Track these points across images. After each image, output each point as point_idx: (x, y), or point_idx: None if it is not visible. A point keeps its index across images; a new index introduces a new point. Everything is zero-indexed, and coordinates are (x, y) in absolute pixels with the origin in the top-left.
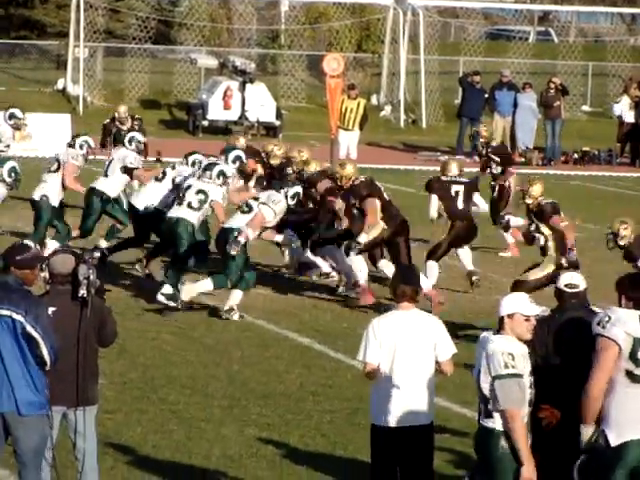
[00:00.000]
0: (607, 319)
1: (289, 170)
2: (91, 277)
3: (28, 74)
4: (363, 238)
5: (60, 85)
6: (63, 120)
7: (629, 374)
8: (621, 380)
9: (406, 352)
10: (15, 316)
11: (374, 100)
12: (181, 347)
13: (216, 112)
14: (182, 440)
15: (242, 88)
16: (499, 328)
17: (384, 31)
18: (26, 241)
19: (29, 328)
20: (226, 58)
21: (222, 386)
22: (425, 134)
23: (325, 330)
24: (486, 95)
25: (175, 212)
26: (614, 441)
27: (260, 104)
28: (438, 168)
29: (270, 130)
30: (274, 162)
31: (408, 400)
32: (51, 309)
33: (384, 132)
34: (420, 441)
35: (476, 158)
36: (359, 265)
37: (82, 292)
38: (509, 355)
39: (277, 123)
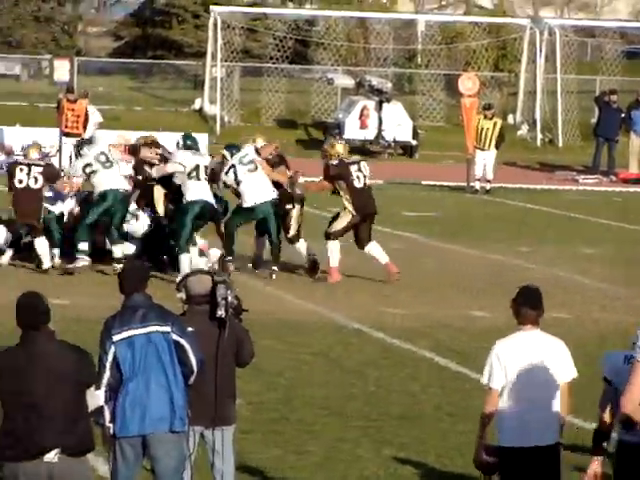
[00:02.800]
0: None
1: None
2: (229, 297)
3: (165, 94)
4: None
5: (197, 105)
6: (200, 140)
7: None
8: None
9: (530, 374)
10: (163, 328)
11: (510, 119)
12: (318, 368)
13: (353, 131)
14: (319, 461)
15: (379, 107)
16: None
17: (521, 50)
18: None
19: (176, 337)
20: (363, 77)
21: (359, 407)
22: (561, 153)
23: (461, 350)
24: (622, 114)
25: None
26: None
27: (397, 123)
28: (574, 187)
29: (407, 149)
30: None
31: (533, 420)
32: (189, 329)
33: (521, 151)
34: (547, 461)
35: (612, 177)
36: (335, 249)
37: (220, 313)
38: None
39: (414, 142)
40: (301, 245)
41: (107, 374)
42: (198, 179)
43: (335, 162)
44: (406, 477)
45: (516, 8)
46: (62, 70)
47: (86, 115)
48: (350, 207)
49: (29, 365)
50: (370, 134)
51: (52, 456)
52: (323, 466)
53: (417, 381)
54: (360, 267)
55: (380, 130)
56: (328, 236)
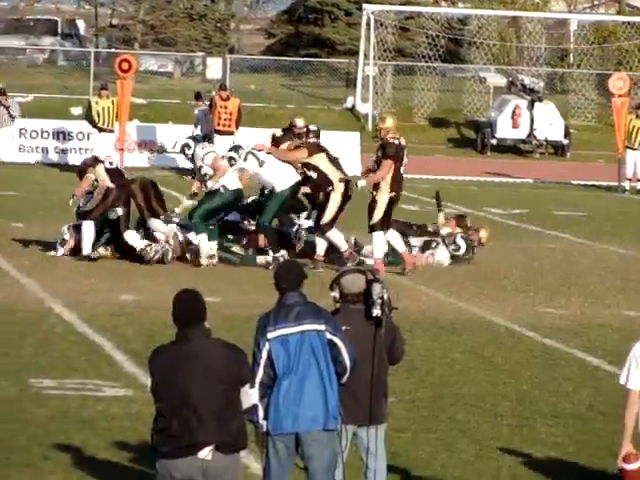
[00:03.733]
0: None
1: None
2: (385, 296)
3: (318, 92)
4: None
5: (349, 103)
6: (352, 138)
7: None
8: None
9: None
10: (317, 327)
11: None
12: (470, 366)
13: (505, 130)
14: (471, 459)
15: (531, 107)
16: None
17: None
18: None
19: (329, 335)
20: (515, 76)
21: (511, 405)
22: None
23: (614, 350)
24: None
25: None
26: None
27: (549, 123)
28: None
29: (558, 149)
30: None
31: None
32: (344, 328)
33: None
34: None
35: None
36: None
37: (377, 312)
38: None
39: (565, 142)
40: (333, 234)
41: (261, 372)
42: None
43: (395, 141)
44: (557, 477)
45: None
46: (215, 68)
47: (239, 113)
48: (387, 189)
49: (184, 362)
50: (522, 133)
51: (206, 453)
52: (474, 464)
53: (570, 381)
54: (516, 264)
55: (532, 129)
56: (372, 228)
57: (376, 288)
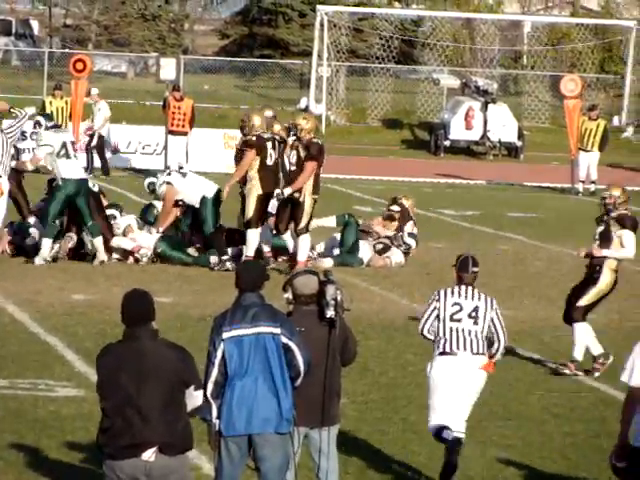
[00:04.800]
0: None
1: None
2: (338, 298)
3: (271, 92)
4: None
5: (303, 104)
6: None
7: None
8: None
9: None
10: (272, 330)
11: (616, 121)
12: (423, 367)
13: (458, 132)
14: (423, 461)
15: (484, 108)
16: None
17: (627, 52)
18: None
19: (285, 339)
20: (468, 78)
21: None
22: None
23: (567, 352)
24: None
25: None
26: None
27: (502, 124)
28: None
29: (512, 150)
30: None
31: None
32: (298, 329)
33: (626, 154)
34: None
35: None
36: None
37: (330, 313)
38: None
39: (519, 144)
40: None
41: (215, 371)
42: (68, 157)
43: (318, 141)
44: (509, 478)
45: (622, 10)
46: (169, 68)
47: (192, 113)
48: (310, 190)
49: (130, 361)
50: (475, 135)
51: (149, 454)
52: (427, 466)
53: (522, 382)
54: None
55: (485, 131)
56: (304, 230)
57: (330, 289)
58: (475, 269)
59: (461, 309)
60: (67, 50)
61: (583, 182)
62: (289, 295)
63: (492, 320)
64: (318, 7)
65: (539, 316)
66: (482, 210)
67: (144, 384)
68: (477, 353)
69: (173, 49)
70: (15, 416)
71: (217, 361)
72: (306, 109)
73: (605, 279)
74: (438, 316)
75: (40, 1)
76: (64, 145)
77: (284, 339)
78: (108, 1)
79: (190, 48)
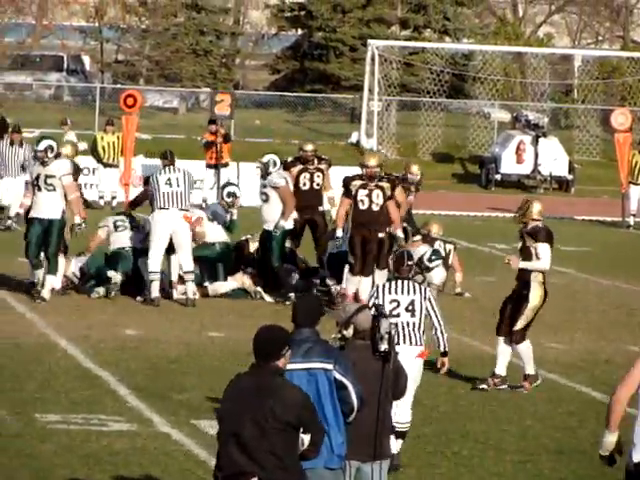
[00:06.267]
0: None
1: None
2: (392, 332)
3: (322, 127)
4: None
5: (354, 138)
6: (358, 173)
7: None
8: None
9: None
10: (325, 365)
11: None
12: (475, 401)
13: (509, 166)
14: None
15: (535, 142)
16: None
17: None
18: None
19: (339, 376)
20: (519, 112)
21: (515, 441)
22: None
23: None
24: None
25: None
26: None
27: (553, 158)
28: None
29: (562, 184)
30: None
31: None
32: (351, 364)
33: None
34: None
35: None
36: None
37: (384, 347)
38: None
39: (570, 177)
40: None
41: None
42: (39, 190)
43: None
44: None
45: None
46: (223, 104)
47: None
48: None
49: (246, 394)
50: (526, 169)
51: None
52: None
53: (574, 416)
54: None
55: (536, 164)
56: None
57: (384, 323)
58: (410, 262)
59: (398, 305)
60: (118, 85)
61: (634, 215)
62: (350, 332)
63: (427, 309)
64: (369, 41)
65: (590, 349)
66: None
67: (253, 418)
68: (415, 344)
69: (224, 84)
70: (67, 451)
71: None
72: (357, 143)
73: (536, 293)
74: None
75: (92, 37)
76: (37, 177)
77: (338, 375)
78: (160, 37)
79: (241, 83)
